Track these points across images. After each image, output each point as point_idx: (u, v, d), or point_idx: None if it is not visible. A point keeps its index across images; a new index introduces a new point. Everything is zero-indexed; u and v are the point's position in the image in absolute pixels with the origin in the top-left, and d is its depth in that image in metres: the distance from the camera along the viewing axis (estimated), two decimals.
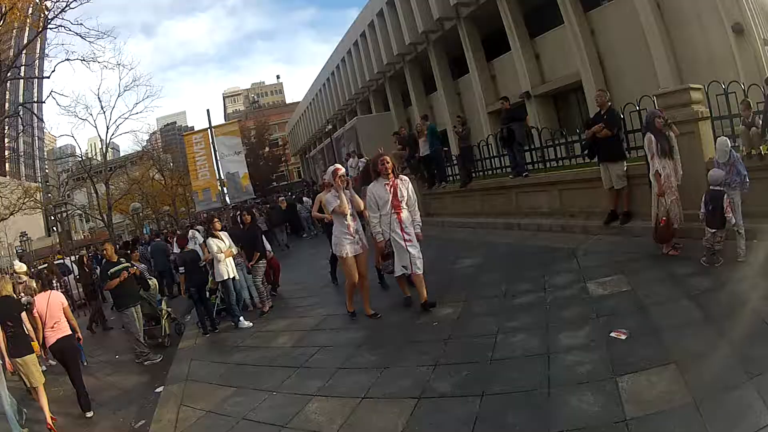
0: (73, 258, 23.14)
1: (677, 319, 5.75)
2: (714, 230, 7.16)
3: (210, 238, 10.89)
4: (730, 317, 5.55)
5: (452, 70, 33.27)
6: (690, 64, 18.37)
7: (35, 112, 37.01)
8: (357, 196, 8.65)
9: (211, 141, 19.71)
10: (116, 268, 10.28)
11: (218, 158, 19.28)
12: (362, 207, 8.55)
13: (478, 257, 10.97)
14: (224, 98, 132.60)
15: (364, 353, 7.14)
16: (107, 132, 32.53)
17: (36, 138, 70.60)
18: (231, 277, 10.73)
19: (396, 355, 6.72)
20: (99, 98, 64.55)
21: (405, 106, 39.28)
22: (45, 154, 76.64)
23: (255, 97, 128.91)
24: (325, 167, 36.44)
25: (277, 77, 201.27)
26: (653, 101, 9.64)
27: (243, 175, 20.84)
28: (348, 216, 8.41)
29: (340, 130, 37.45)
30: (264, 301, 11.35)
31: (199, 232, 15.39)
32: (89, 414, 7.83)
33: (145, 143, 50.99)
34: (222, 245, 10.72)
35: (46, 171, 71.89)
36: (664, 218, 7.95)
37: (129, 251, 15.89)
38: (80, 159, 40.10)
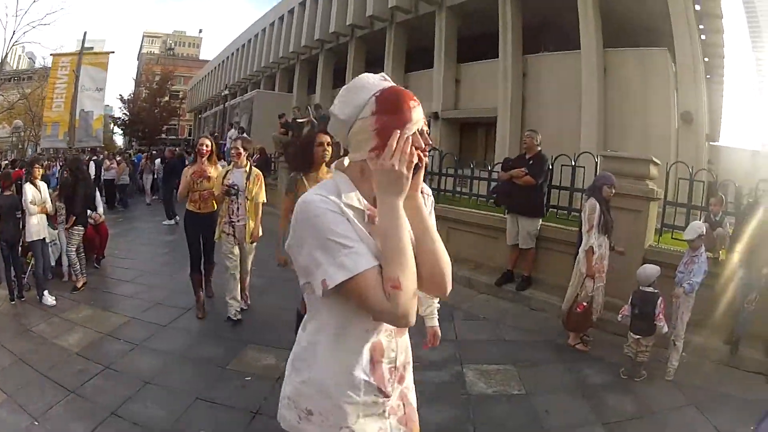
0: None
1: None
2: (639, 337, 5.84)
3: (28, 183, 8.85)
4: None
5: (366, 70, 31.56)
6: (620, 136, 18.44)
7: None
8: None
9: (76, 69, 16.88)
10: None
11: (78, 90, 16.54)
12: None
13: None
14: (143, 37, 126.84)
15: (148, 398, 5.24)
16: (12, 36, 30.30)
17: None
18: (41, 238, 8.84)
19: (183, 416, 4.91)
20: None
21: (309, 93, 37.67)
22: None
23: (172, 44, 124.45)
24: (215, 130, 34.93)
25: (200, 31, 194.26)
26: (597, 161, 8.56)
27: (97, 117, 18.14)
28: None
29: (237, 98, 35.67)
30: (78, 276, 9.32)
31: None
32: None
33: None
34: (37, 196, 8.71)
35: None
36: (584, 303, 6.53)
37: None
38: None
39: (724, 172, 12.74)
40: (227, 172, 7.28)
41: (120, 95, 67.84)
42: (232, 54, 53.49)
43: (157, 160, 23.35)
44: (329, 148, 5.57)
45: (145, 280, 9.79)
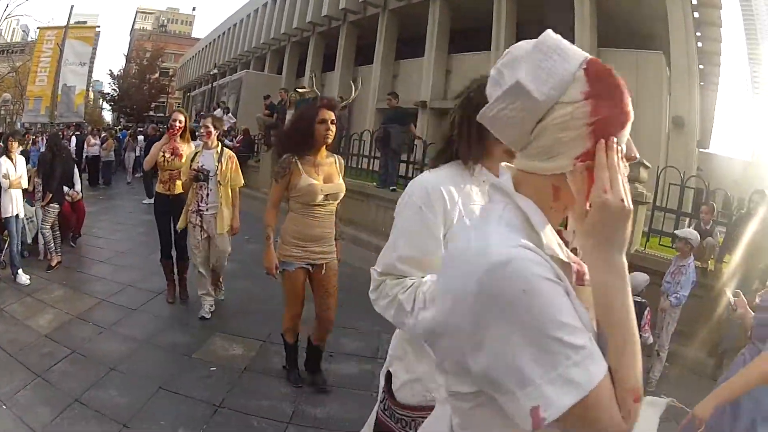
0: None
1: None
2: None
3: (4, 157, 8.53)
4: None
5: (356, 56, 32.11)
6: None
7: None
8: None
9: (61, 43, 16.46)
10: None
11: (61, 64, 16.15)
12: None
13: None
14: (137, 13, 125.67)
15: (112, 385, 5.05)
16: (6, 9, 30.06)
17: None
18: (15, 214, 8.50)
19: (147, 406, 4.71)
20: None
21: (298, 76, 37.23)
22: None
23: (165, 21, 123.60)
24: (203, 109, 34.65)
25: (193, 8, 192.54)
26: None
27: (79, 92, 17.83)
28: None
29: (226, 78, 35.30)
30: (52, 254, 9.06)
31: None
32: None
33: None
34: (12, 171, 8.38)
35: None
36: None
37: None
38: None
39: (713, 180, 12.69)
40: (196, 154, 6.54)
41: (110, 71, 67.33)
42: (223, 33, 52.71)
43: (140, 137, 22.85)
44: (332, 127, 4.59)
45: (119, 261, 9.67)
